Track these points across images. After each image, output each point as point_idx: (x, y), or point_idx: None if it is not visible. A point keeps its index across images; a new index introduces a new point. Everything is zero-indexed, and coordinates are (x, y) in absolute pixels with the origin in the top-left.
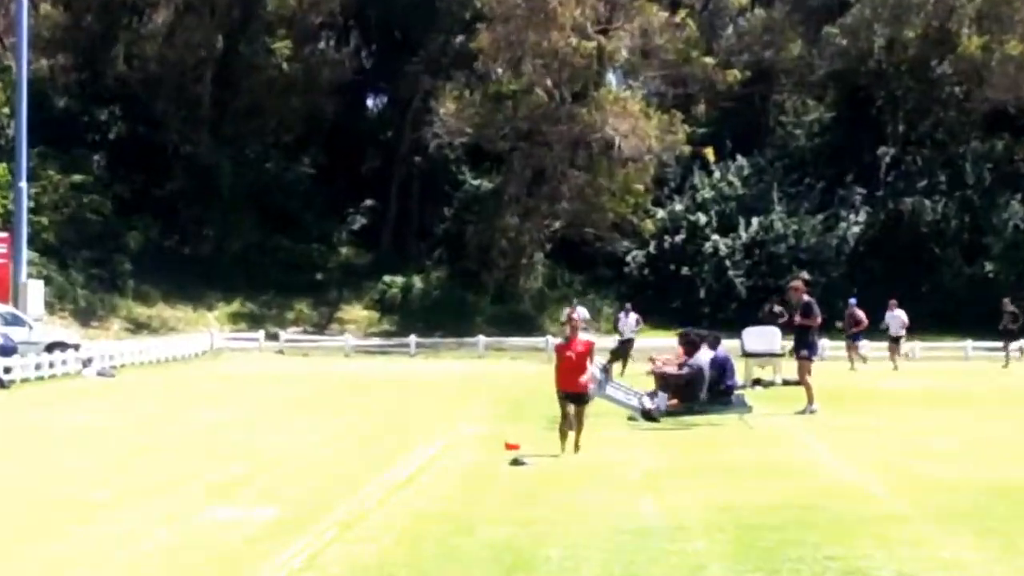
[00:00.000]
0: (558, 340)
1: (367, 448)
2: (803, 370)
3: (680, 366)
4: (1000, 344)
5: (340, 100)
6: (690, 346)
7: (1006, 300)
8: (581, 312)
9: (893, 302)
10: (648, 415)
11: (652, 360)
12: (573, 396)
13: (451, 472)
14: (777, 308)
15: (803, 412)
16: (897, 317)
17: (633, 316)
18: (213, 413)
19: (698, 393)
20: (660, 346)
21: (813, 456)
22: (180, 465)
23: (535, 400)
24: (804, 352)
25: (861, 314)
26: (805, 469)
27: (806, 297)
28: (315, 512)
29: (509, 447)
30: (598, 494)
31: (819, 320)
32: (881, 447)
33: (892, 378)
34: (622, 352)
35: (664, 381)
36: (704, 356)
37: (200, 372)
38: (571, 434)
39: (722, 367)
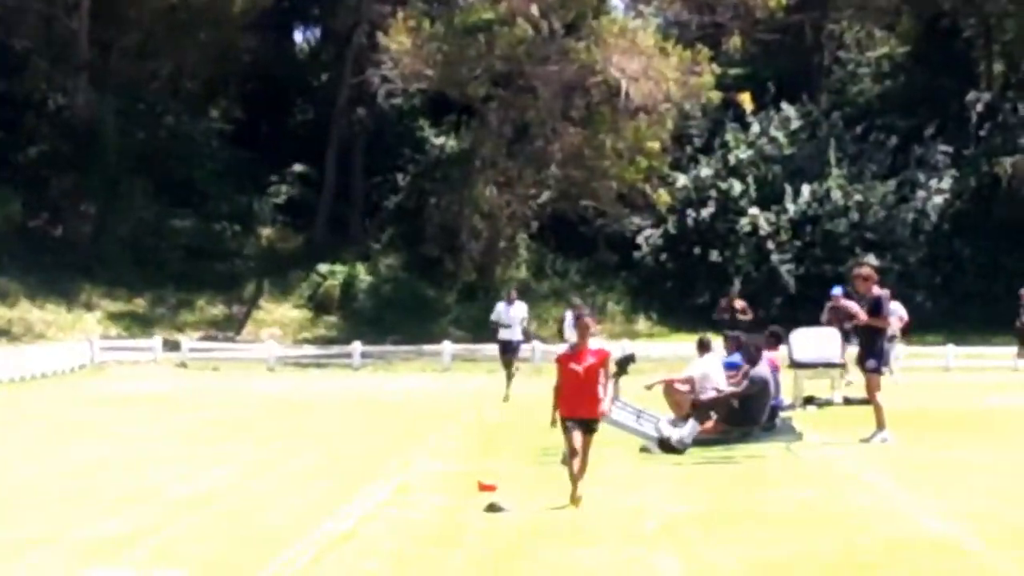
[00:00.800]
0: (561, 349)
1: (296, 492)
2: (872, 386)
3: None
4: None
5: (259, 35)
6: (749, 354)
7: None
8: (520, 306)
9: None
10: (667, 446)
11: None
12: (582, 423)
13: (406, 522)
14: (844, 301)
15: (869, 440)
16: None
17: (520, 305)
18: (93, 448)
19: (758, 416)
20: (678, 355)
21: (883, 499)
22: (49, 517)
23: (518, 427)
24: (872, 362)
25: (855, 307)
26: (872, 516)
27: (876, 289)
28: (231, 575)
29: (483, 488)
30: (602, 550)
31: (891, 320)
32: (975, 488)
33: (989, 395)
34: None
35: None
36: (764, 368)
37: (77, 393)
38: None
39: (763, 387)
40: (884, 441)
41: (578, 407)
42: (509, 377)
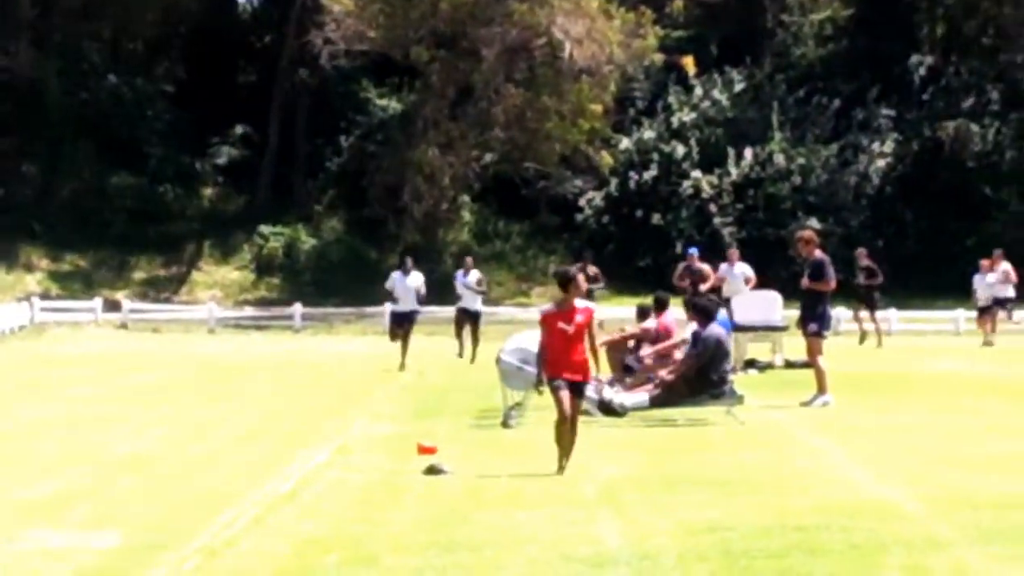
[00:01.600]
0: (546, 307)
1: (236, 453)
2: (814, 349)
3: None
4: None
5: None
6: (703, 315)
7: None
8: (474, 275)
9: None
10: (607, 409)
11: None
12: (572, 385)
13: (346, 484)
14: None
15: (810, 403)
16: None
17: (475, 274)
18: (32, 410)
19: (716, 377)
20: (619, 317)
21: (824, 463)
22: None
23: (459, 389)
24: (814, 326)
25: (708, 268)
26: (811, 479)
27: (818, 253)
28: (169, 537)
29: (423, 451)
30: (541, 512)
31: (833, 283)
32: (914, 452)
33: (931, 359)
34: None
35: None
36: (714, 328)
37: (15, 354)
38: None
39: (716, 347)
40: (825, 404)
41: (566, 368)
42: (404, 347)
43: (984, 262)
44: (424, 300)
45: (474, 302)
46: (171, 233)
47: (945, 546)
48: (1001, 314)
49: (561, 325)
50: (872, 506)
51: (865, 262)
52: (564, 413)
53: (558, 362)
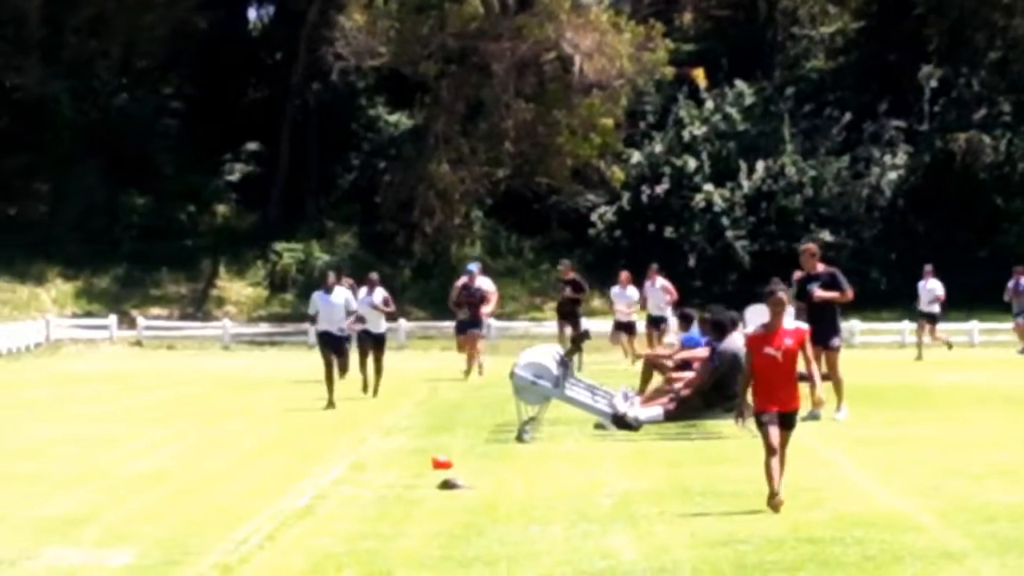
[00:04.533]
0: (749, 330)
1: (250, 469)
2: (836, 362)
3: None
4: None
5: (212, 13)
6: (718, 329)
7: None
8: (379, 293)
9: (928, 269)
10: (621, 422)
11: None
12: (783, 417)
13: (360, 500)
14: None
15: (840, 413)
16: (931, 290)
17: (380, 292)
18: (46, 427)
19: (731, 391)
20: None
21: (837, 475)
22: (2, 495)
23: (473, 404)
24: (837, 340)
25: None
26: (826, 492)
27: (821, 267)
28: (183, 554)
29: (438, 465)
30: (556, 527)
31: (851, 294)
32: (927, 463)
33: (937, 371)
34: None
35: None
36: (731, 341)
37: (31, 372)
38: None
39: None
40: (839, 418)
41: (775, 398)
42: (332, 376)
43: (927, 269)
44: (356, 318)
45: (377, 324)
46: (184, 250)
47: (959, 557)
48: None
49: (768, 351)
50: (886, 518)
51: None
52: (771, 448)
53: (766, 392)
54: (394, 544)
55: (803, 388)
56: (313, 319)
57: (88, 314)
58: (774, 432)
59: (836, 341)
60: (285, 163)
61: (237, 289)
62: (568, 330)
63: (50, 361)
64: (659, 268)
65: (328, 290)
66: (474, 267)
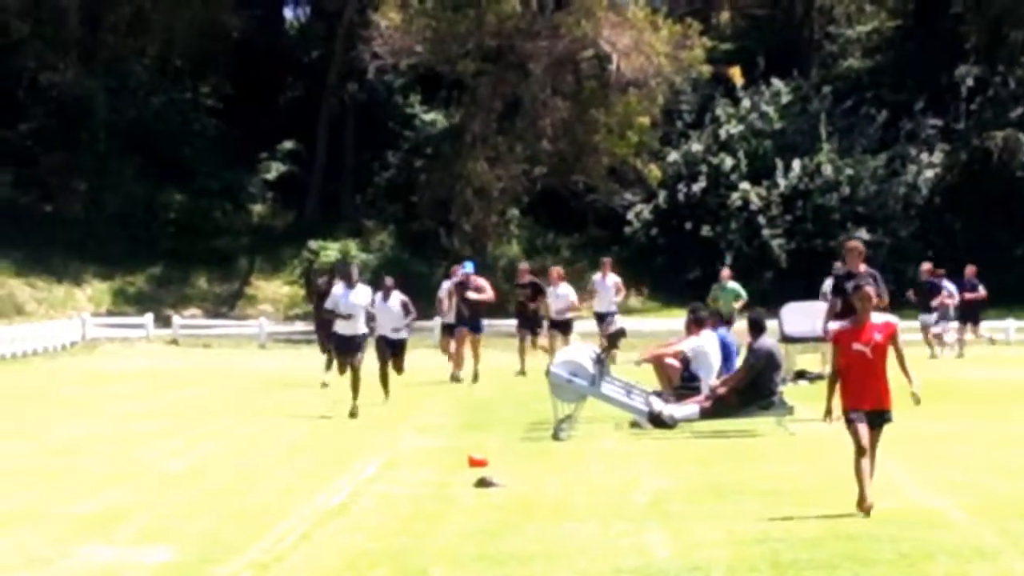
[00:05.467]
0: (838, 325)
1: (286, 468)
2: None
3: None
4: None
5: (250, 12)
6: (755, 328)
7: None
8: (396, 298)
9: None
10: (657, 421)
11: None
12: (874, 416)
13: (395, 497)
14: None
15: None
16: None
17: (397, 296)
18: (83, 425)
19: (767, 389)
20: (670, 329)
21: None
22: (38, 494)
23: (508, 402)
24: None
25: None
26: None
27: (863, 267)
28: (220, 552)
29: (474, 463)
30: (591, 524)
31: (887, 299)
32: (961, 460)
33: (972, 368)
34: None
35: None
36: (766, 340)
37: (67, 370)
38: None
39: (768, 359)
40: None
41: (865, 396)
42: (355, 382)
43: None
44: (375, 321)
45: (358, 326)
46: (220, 249)
47: (992, 555)
48: None
49: (857, 346)
50: (920, 515)
51: (972, 279)
52: (861, 448)
53: (855, 390)
54: (428, 542)
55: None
56: (331, 315)
57: (124, 313)
58: (863, 431)
59: None
60: (321, 162)
61: (273, 288)
62: (530, 339)
63: (86, 359)
64: (612, 263)
65: (350, 285)
66: (470, 266)
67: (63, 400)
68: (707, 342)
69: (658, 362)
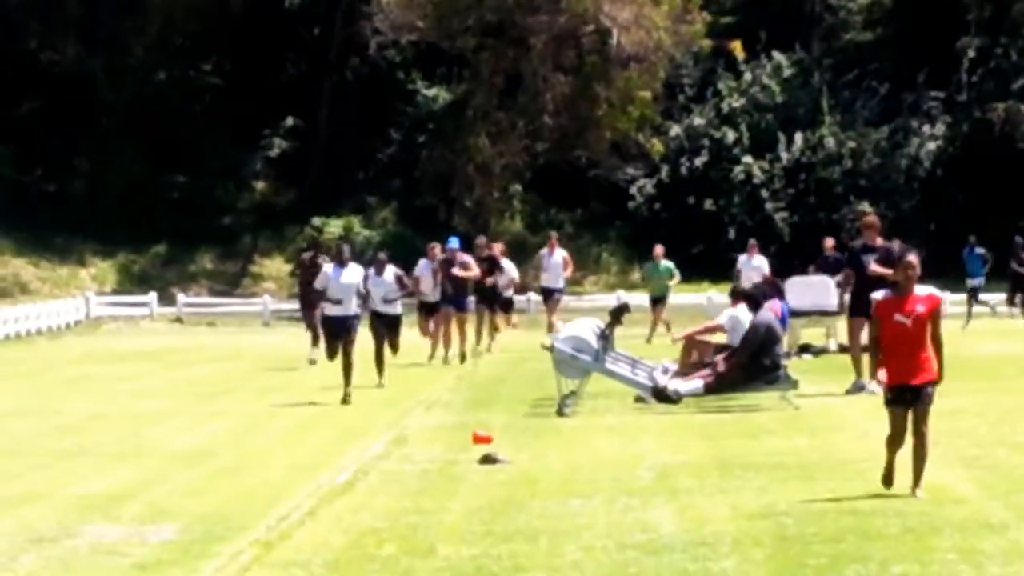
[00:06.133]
0: (880, 294)
1: (292, 445)
2: None
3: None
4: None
5: None
6: (751, 302)
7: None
8: (391, 272)
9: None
10: (662, 395)
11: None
12: (912, 392)
13: (401, 475)
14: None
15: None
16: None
17: (391, 270)
18: (88, 404)
19: (769, 362)
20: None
21: (878, 447)
22: (44, 473)
23: (513, 379)
24: None
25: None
26: (867, 464)
27: (880, 241)
28: (224, 530)
29: (478, 440)
30: (597, 500)
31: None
32: (967, 434)
33: (978, 342)
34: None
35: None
36: (764, 313)
37: (71, 349)
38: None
39: (768, 332)
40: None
41: (904, 369)
42: (347, 367)
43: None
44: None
45: (391, 305)
46: (223, 226)
47: (1000, 529)
48: None
49: (898, 317)
50: (926, 489)
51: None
52: (897, 429)
53: (895, 363)
54: (435, 519)
55: None
56: (320, 298)
57: (127, 291)
58: (900, 410)
59: None
60: (324, 139)
61: (276, 265)
62: (488, 315)
63: (90, 339)
64: (559, 238)
65: (342, 264)
66: (455, 241)
67: (69, 379)
68: (742, 313)
69: (690, 342)
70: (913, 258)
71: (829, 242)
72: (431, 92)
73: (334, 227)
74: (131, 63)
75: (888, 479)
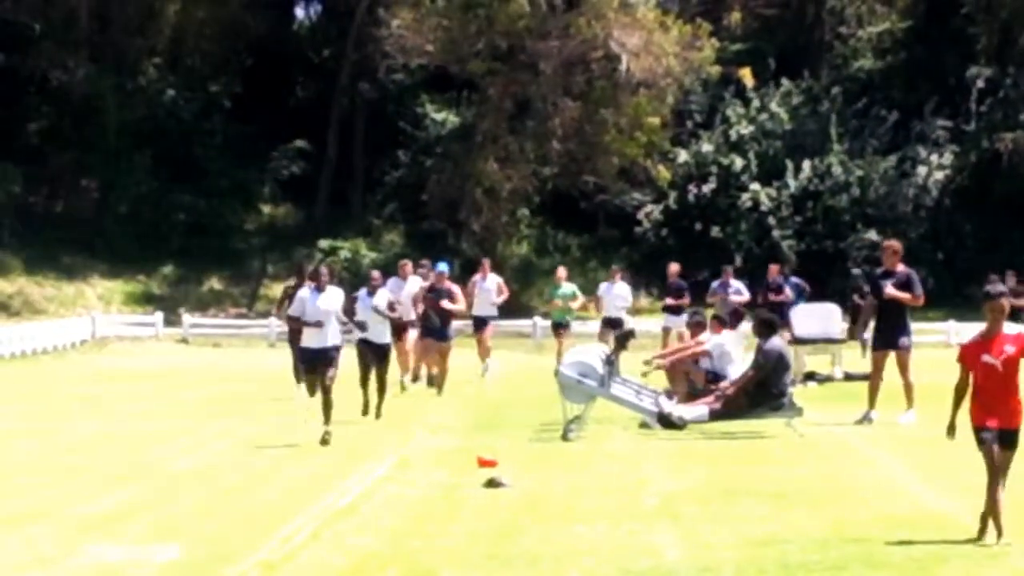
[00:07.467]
0: (968, 339)
1: (296, 467)
2: (904, 363)
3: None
4: None
5: (261, 11)
6: (766, 328)
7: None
8: (383, 296)
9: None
10: (667, 421)
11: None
12: (1004, 435)
13: (405, 498)
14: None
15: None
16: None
17: (384, 294)
18: (93, 423)
19: (776, 390)
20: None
21: (882, 475)
22: (48, 492)
23: (518, 403)
24: (906, 340)
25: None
26: (870, 492)
27: (901, 267)
28: (228, 551)
29: (483, 464)
30: (600, 525)
31: (922, 299)
32: (972, 463)
33: None
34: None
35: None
36: (776, 340)
37: (77, 369)
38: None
39: (778, 360)
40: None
41: (995, 412)
42: (327, 404)
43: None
44: (348, 325)
45: (382, 333)
46: (230, 248)
47: (1003, 557)
48: None
49: (987, 359)
50: (931, 518)
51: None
52: (993, 469)
53: (984, 405)
54: (438, 542)
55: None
56: (296, 323)
57: (133, 311)
58: (995, 451)
59: (906, 341)
60: (332, 161)
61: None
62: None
63: (96, 358)
64: (492, 264)
65: (319, 288)
66: (444, 267)
67: (74, 398)
68: (728, 340)
69: (674, 368)
70: (1003, 299)
71: (773, 267)
72: (440, 116)
73: (342, 250)
74: (141, 83)
75: (984, 530)
